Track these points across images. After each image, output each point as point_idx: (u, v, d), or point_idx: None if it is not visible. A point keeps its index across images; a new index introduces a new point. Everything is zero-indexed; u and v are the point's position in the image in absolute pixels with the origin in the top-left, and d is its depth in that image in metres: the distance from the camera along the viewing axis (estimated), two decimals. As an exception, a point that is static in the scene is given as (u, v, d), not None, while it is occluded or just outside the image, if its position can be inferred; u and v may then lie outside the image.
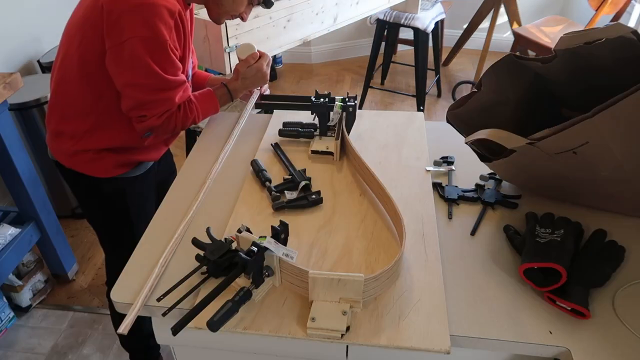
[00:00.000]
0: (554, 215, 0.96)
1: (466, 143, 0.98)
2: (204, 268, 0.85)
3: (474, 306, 0.82)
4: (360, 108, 2.93)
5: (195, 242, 0.87)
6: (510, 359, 0.84)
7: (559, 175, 0.93)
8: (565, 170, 0.89)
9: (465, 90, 3.20)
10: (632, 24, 2.78)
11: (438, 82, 3.25)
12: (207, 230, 0.89)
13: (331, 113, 1.20)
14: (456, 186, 1.09)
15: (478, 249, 0.94)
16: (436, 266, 0.88)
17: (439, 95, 3.29)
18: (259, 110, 2.56)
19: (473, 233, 0.97)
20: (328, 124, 1.21)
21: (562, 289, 0.81)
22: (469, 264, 0.90)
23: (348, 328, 0.76)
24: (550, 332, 0.77)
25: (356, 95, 1.24)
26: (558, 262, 0.80)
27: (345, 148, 1.18)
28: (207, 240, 0.88)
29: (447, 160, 1.17)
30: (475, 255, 0.93)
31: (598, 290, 0.84)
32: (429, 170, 1.13)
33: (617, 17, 2.74)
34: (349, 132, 1.21)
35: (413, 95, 2.94)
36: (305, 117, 1.28)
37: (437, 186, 1.09)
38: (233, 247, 0.85)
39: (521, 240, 0.91)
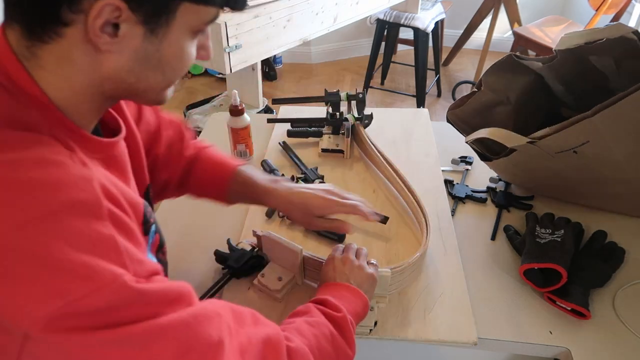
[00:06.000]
0: (554, 216, 0.96)
1: (467, 142, 0.98)
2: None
3: (474, 306, 0.82)
4: (360, 108, 2.91)
5: (217, 254, 0.88)
6: (510, 359, 0.84)
7: (559, 175, 0.93)
8: (566, 169, 0.89)
9: (465, 90, 3.20)
10: (632, 24, 2.78)
11: (438, 82, 3.25)
12: (228, 241, 0.90)
13: (345, 123, 1.19)
14: (467, 185, 1.09)
15: (478, 249, 0.94)
16: (456, 259, 0.89)
17: (439, 95, 3.29)
18: (259, 110, 2.56)
19: (493, 238, 0.97)
20: (341, 131, 1.21)
21: (562, 289, 0.80)
22: (469, 263, 0.90)
23: (375, 323, 0.76)
24: (551, 332, 0.77)
25: (364, 90, 1.25)
26: (558, 262, 0.80)
27: (359, 144, 1.18)
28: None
29: (465, 160, 1.17)
30: (475, 255, 0.92)
31: (598, 290, 0.84)
32: (444, 171, 1.13)
33: (617, 17, 2.74)
34: (368, 123, 1.22)
35: (413, 95, 2.94)
36: (309, 115, 1.28)
37: (447, 183, 1.10)
38: (255, 253, 0.86)
39: (521, 241, 0.91)
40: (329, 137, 1.21)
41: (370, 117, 1.25)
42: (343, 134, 1.19)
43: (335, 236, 0.93)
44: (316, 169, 1.11)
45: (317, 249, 0.91)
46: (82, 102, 0.50)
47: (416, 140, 1.24)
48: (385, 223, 0.92)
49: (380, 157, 1.09)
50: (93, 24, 0.44)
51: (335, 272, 0.72)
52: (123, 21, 0.45)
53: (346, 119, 1.18)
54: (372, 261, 0.77)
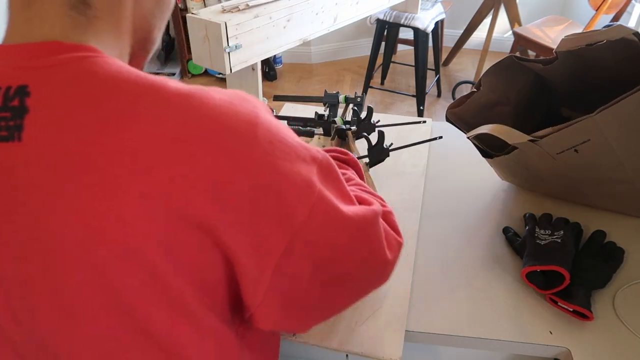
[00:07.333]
0: (552, 216, 0.95)
1: (468, 138, 0.98)
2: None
3: (474, 306, 0.82)
4: (360, 108, 2.91)
5: None
6: (510, 359, 0.84)
7: (560, 174, 0.93)
8: (566, 169, 0.89)
9: (465, 90, 3.20)
10: (632, 24, 2.78)
11: (438, 82, 3.25)
12: None
13: (333, 125, 1.18)
14: None
15: (478, 249, 0.94)
16: (407, 276, 0.86)
17: (439, 95, 3.29)
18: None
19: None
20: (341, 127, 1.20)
21: (565, 290, 0.80)
22: (469, 264, 0.90)
23: None
24: (551, 332, 0.77)
25: (363, 94, 1.24)
26: (560, 264, 0.80)
27: (349, 150, 1.17)
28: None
29: None
30: (475, 255, 0.93)
31: (598, 290, 0.84)
32: None
33: (617, 17, 2.74)
34: (365, 127, 1.21)
35: (413, 95, 2.94)
36: (312, 114, 1.29)
37: None
38: None
39: (522, 243, 0.91)
40: (319, 138, 1.21)
41: (369, 116, 1.24)
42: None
43: None
44: None
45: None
46: (125, 57, 0.44)
47: (408, 150, 1.21)
48: None
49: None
50: None
51: None
52: None
53: (334, 121, 1.18)
54: None
